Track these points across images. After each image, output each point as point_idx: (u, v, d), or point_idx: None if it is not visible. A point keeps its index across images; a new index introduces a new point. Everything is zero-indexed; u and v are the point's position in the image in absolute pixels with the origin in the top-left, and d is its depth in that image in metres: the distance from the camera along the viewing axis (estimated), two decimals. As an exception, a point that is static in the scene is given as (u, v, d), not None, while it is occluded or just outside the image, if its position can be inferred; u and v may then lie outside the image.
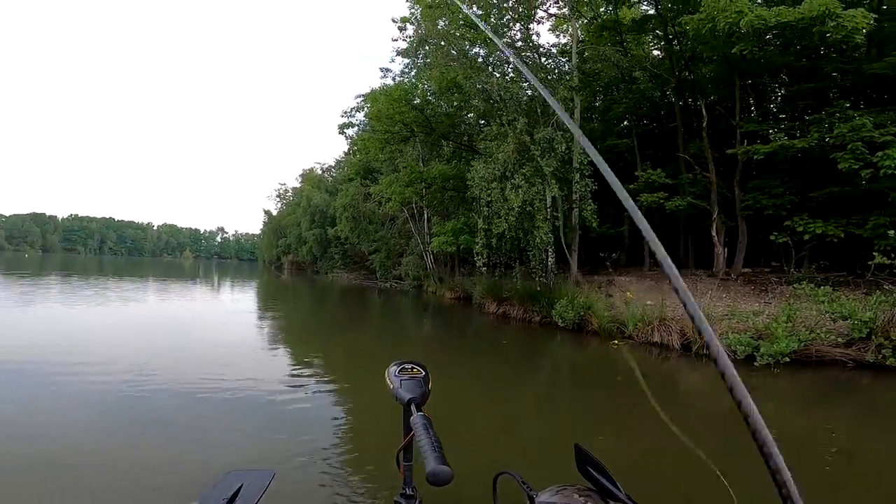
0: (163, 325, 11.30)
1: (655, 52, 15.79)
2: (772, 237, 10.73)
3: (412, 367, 1.48)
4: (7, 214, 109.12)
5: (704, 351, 7.74)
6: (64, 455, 3.72)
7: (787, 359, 6.83)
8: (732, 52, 10.24)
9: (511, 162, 12.29)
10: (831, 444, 4.36)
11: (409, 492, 1.47)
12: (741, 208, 11.71)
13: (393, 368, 1.47)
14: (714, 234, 11.66)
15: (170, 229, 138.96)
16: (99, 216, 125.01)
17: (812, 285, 7.95)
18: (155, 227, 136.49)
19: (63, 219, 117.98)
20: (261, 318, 14.32)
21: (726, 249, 11.67)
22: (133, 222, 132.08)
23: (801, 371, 6.73)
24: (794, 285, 8.27)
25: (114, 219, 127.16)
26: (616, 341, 8.97)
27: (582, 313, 10.13)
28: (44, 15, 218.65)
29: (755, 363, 7.00)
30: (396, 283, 24.70)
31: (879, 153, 8.87)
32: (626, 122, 17.07)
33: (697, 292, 9.44)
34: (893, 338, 6.58)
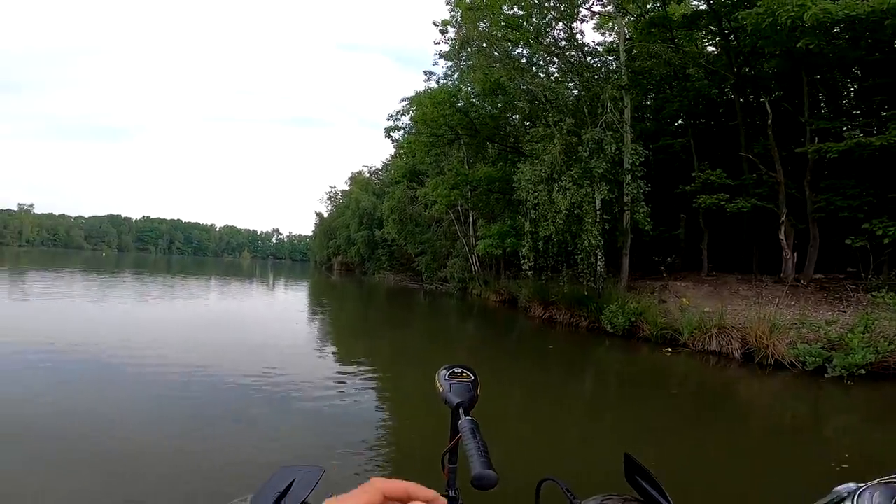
0: (223, 322, 11.93)
1: (710, 49, 15.06)
2: (847, 241, 9.82)
3: (462, 372, 1.42)
4: (87, 216, 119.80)
5: (768, 361, 7.26)
6: (125, 444, 3.88)
7: (863, 371, 6.30)
8: (797, 46, 9.56)
9: (558, 163, 11.99)
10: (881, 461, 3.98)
11: (451, 494, 1.41)
12: (812, 210, 10.83)
13: (443, 372, 1.41)
14: (782, 237, 10.84)
15: (230, 230, 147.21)
16: (168, 218, 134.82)
17: (892, 293, 7.29)
18: (217, 229, 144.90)
19: (136, 220, 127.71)
20: (312, 317, 14.89)
21: (795, 254, 10.83)
22: (198, 223, 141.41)
23: (878, 384, 6.21)
24: (873, 293, 7.59)
25: (181, 220, 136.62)
26: (669, 349, 8.55)
27: (633, 319, 9.74)
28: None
29: (825, 375, 6.53)
30: (442, 284, 24.80)
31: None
32: (680, 121, 16.35)
33: (763, 299, 8.83)
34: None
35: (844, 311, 8.50)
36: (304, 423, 4.73)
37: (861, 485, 1.03)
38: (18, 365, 5.99)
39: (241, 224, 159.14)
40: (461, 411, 1.28)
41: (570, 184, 11.55)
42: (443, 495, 1.43)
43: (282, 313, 15.54)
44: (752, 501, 3.43)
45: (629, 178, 12.12)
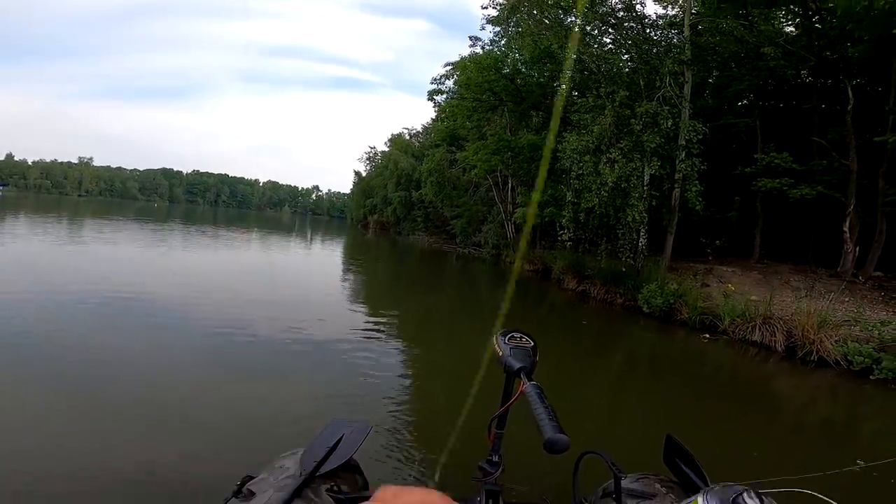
0: (264, 275, 12.41)
1: (789, 28, 13.93)
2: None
3: (521, 337, 1.49)
4: (141, 169, 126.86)
5: (812, 357, 6.92)
6: (171, 393, 3.97)
7: None
8: (893, 32, 8.69)
9: (608, 135, 11.48)
10: None
11: (495, 459, 1.50)
12: (883, 203, 10.08)
13: (501, 336, 1.48)
14: (846, 229, 10.17)
15: (272, 186, 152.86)
16: (216, 172, 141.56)
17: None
18: (261, 184, 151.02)
19: (187, 174, 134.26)
20: (346, 275, 15.29)
21: (857, 248, 10.17)
22: (243, 178, 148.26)
23: None
24: (941, 297, 7.07)
25: (228, 175, 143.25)
26: (707, 335, 8.26)
27: (672, 301, 9.39)
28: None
29: (871, 377, 6.23)
30: (475, 249, 24.67)
31: None
32: (745, 101, 15.33)
33: (815, 293, 8.38)
34: None
35: (903, 313, 8.00)
36: (341, 378, 4.80)
37: (713, 485, 1.10)
38: (77, 308, 6.27)
39: (283, 180, 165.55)
40: (523, 376, 1.33)
41: (619, 156, 11.06)
42: (487, 460, 1.52)
43: (319, 271, 15.96)
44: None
45: (683, 154, 11.54)
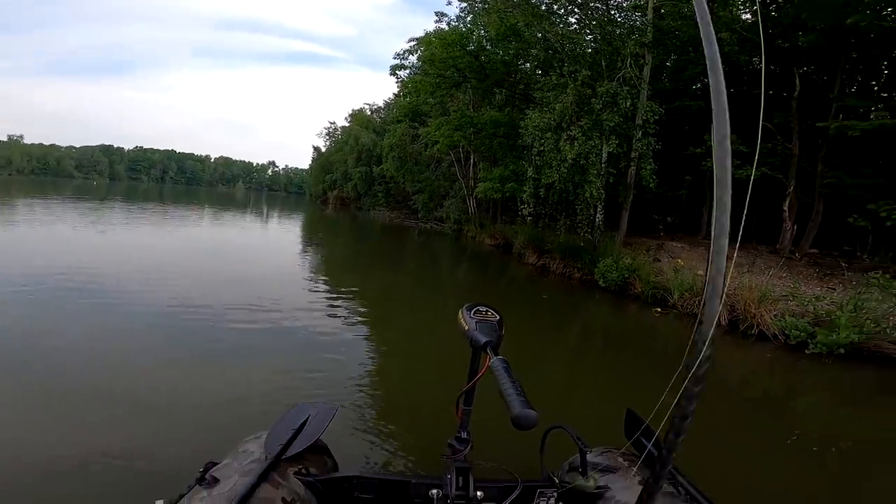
0: (216, 253, 11.96)
1: (746, 16, 14.25)
2: (850, 219, 9.70)
3: (486, 311, 1.45)
4: (78, 146, 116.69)
5: (752, 331, 7.26)
6: (120, 384, 3.72)
7: (843, 350, 6.24)
8: (847, 22, 8.98)
9: (569, 113, 11.54)
10: (855, 443, 4.03)
11: (464, 435, 1.49)
12: (821, 185, 10.64)
13: (467, 310, 1.44)
14: (786, 208, 10.69)
15: (225, 162, 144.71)
16: (162, 148, 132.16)
17: (888, 276, 7.23)
18: (212, 160, 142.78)
19: (129, 150, 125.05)
20: (305, 251, 14.93)
21: (795, 226, 10.73)
22: (192, 154, 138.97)
23: (854, 364, 6.15)
24: (870, 273, 7.52)
25: (175, 151, 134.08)
26: (658, 309, 8.53)
27: (626, 276, 9.64)
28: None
29: (806, 350, 6.48)
30: (437, 224, 24.58)
31: None
32: (699, 85, 15.67)
33: (756, 269, 8.77)
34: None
35: (834, 289, 8.48)
36: (304, 359, 4.67)
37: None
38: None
39: (237, 156, 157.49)
40: (489, 350, 1.29)
41: (579, 134, 11.16)
42: (455, 437, 1.51)
43: (276, 246, 15.50)
44: (701, 461, 3.49)
45: (640, 134, 11.73)
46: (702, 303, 0.76)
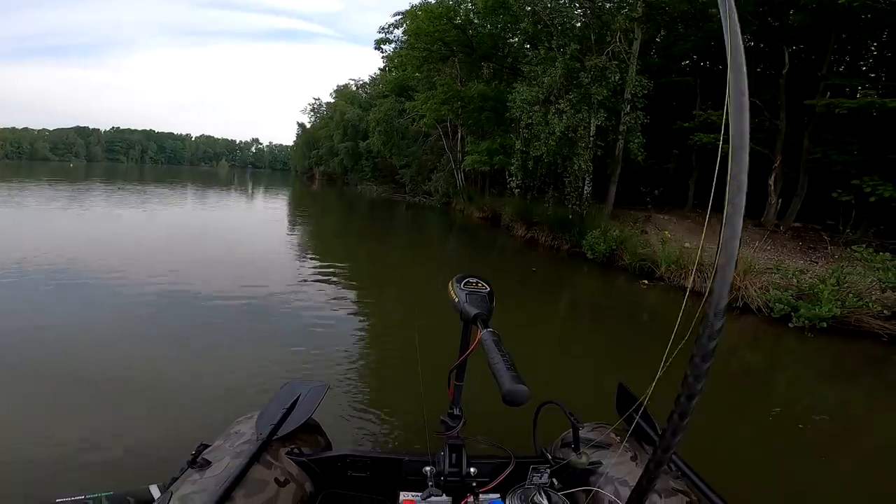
0: (203, 233, 11.53)
1: (738, -9, 13.93)
2: (834, 194, 9.72)
3: (477, 282, 1.40)
4: (51, 128, 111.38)
5: (737, 303, 7.25)
6: (108, 368, 3.62)
7: (825, 324, 6.20)
8: (839, 1, 8.81)
9: (557, 86, 11.40)
10: (835, 417, 4.02)
11: (456, 412, 1.47)
12: (807, 160, 10.61)
13: (457, 281, 1.40)
14: (771, 182, 10.65)
15: (207, 140, 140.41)
16: (140, 129, 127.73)
17: (871, 249, 7.23)
18: (193, 138, 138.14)
19: (106, 131, 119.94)
20: (293, 228, 14.63)
21: (780, 201, 10.75)
22: (172, 133, 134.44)
23: (835, 338, 6.12)
24: (853, 247, 7.48)
25: (154, 130, 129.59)
26: (646, 281, 8.47)
27: (614, 247, 9.57)
28: None
29: (790, 324, 6.43)
30: (425, 197, 24.23)
31: None
32: (687, 61, 15.48)
33: (741, 241, 8.76)
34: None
35: (816, 262, 8.49)
36: (294, 338, 4.55)
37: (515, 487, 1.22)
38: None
39: (219, 133, 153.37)
40: (479, 323, 1.23)
41: (568, 107, 11.04)
42: (448, 413, 1.50)
43: (263, 224, 15.13)
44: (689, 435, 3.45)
45: (628, 108, 11.66)
46: (713, 272, 0.70)
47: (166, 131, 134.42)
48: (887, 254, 6.90)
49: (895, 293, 6.37)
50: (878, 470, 3.21)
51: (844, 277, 6.81)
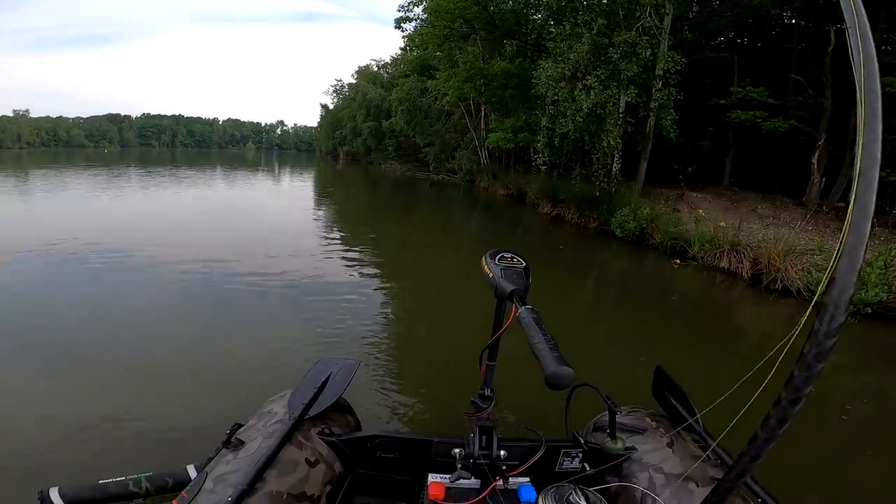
0: (233, 214, 11.57)
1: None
2: (882, 173, 9.11)
3: (512, 257, 1.36)
4: (85, 116, 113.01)
5: (776, 286, 6.88)
6: (145, 350, 3.62)
7: (870, 309, 5.73)
8: None
9: (584, 62, 10.93)
10: (877, 406, 3.77)
11: (487, 393, 1.43)
12: (853, 139, 10.03)
13: (490, 256, 1.36)
14: (814, 161, 10.05)
15: (234, 123, 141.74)
16: (169, 114, 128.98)
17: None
18: (220, 122, 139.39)
19: (136, 117, 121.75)
20: (319, 207, 14.59)
21: (823, 179, 10.16)
22: (201, 118, 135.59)
23: (879, 324, 5.67)
24: (903, 228, 7.03)
25: (183, 115, 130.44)
26: (678, 260, 8.09)
27: (644, 225, 9.16)
28: None
29: None
30: (449, 175, 23.91)
31: None
32: (723, 38, 14.73)
33: (781, 221, 8.31)
34: None
35: (862, 244, 8.03)
36: (325, 318, 4.46)
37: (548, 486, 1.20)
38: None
39: (245, 117, 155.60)
40: (516, 300, 1.17)
41: (596, 83, 10.58)
42: (479, 394, 1.46)
43: (290, 204, 15.19)
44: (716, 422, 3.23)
45: (660, 84, 11.12)
46: (824, 281, 0.59)
47: (195, 116, 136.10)
48: (940, 236, 6.40)
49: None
50: None
51: (892, 260, 6.35)
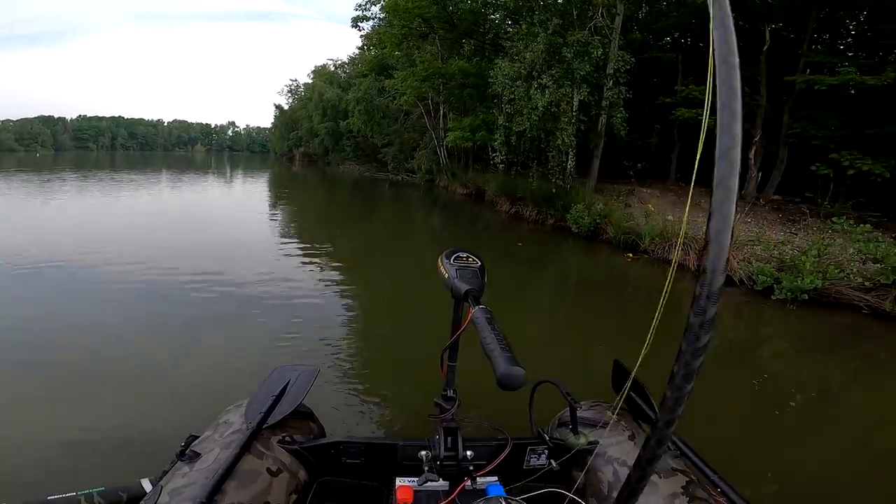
0: (183, 220, 10.95)
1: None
2: (813, 168, 9.73)
3: (467, 256, 1.36)
4: (15, 119, 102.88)
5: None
6: (94, 362, 3.46)
7: (806, 296, 6.10)
8: None
9: (539, 62, 11.12)
10: (817, 389, 3.97)
11: (450, 394, 1.41)
12: (786, 135, 10.65)
13: (447, 256, 1.35)
14: (751, 156, 10.61)
15: (180, 125, 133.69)
16: (108, 115, 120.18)
17: (851, 221, 7.20)
18: (165, 123, 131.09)
19: (72, 119, 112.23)
20: (275, 210, 14.02)
21: (760, 174, 10.73)
22: (143, 119, 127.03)
23: (817, 310, 6.02)
24: (833, 219, 7.42)
25: (123, 117, 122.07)
26: (630, 254, 8.33)
27: (598, 221, 9.41)
28: None
29: (772, 296, 6.30)
30: (408, 175, 23.75)
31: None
32: (668, 38, 15.33)
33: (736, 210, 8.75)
34: (919, 290, 5.86)
35: (796, 234, 8.43)
36: (282, 324, 4.33)
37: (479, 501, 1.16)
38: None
39: (193, 118, 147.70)
40: (471, 300, 1.16)
41: (550, 82, 10.79)
42: (442, 395, 1.43)
43: (243, 207, 14.64)
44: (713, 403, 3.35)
45: (611, 83, 11.45)
46: (704, 243, 0.63)
47: (136, 117, 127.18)
48: (868, 225, 6.86)
49: (876, 265, 6.31)
50: (860, 440, 3.15)
51: (825, 249, 6.70)
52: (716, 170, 0.61)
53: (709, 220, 0.60)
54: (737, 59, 0.58)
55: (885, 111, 9.46)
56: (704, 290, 0.60)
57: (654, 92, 13.01)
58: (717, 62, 0.59)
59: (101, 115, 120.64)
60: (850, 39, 12.19)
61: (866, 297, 6.17)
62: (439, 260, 1.35)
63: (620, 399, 1.63)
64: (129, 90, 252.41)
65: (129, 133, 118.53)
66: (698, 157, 0.61)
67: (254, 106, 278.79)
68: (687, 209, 1.03)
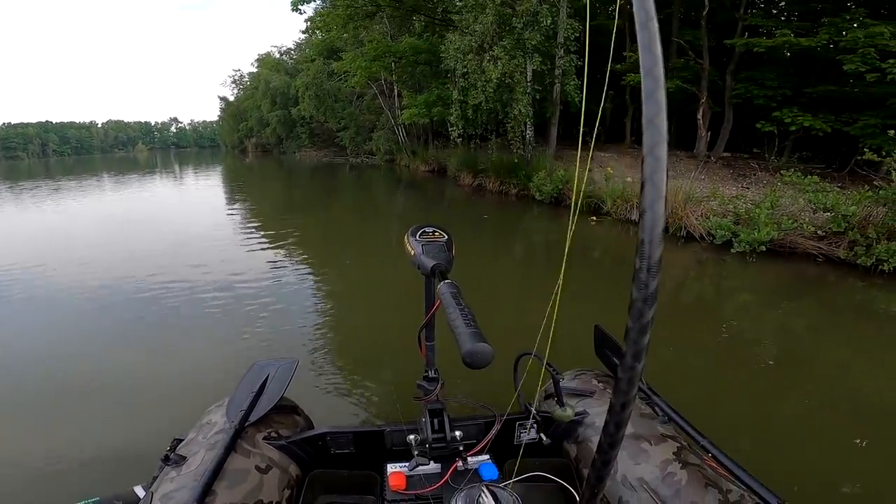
0: (136, 221, 10.12)
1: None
2: (757, 125, 9.95)
3: (433, 231, 1.32)
4: None
5: (681, 233, 7.26)
6: (65, 373, 3.28)
7: (764, 247, 6.17)
8: None
9: (490, 33, 10.87)
10: (782, 338, 3.94)
11: (432, 374, 1.35)
12: (730, 96, 10.87)
13: (412, 233, 1.30)
14: (699, 117, 10.81)
15: (116, 125, 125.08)
16: (35, 121, 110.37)
17: (799, 173, 7.35)
18: (100, 125, 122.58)
19: None
20: (232, 203, 13.21)
21: (709, 133, 10.95)
22: (74, 122, 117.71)
23: (773, 261, 6.07)
24: (782, 172, 7.54)
25: (51, 121, 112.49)
26: (594, 217, 8.26)
27: (560, 187, 9.29)
28: None
29: (731, 250, 6.33)
30: (368, 158, 23.10)
31: (891, 60, 8.02)
32: (614, 5, 15.37)
33: (678, 173, 8.76)
34: (870, 235, 5.73)
35: (748, 188, 8.61)
36: (253, 319, 4.13)
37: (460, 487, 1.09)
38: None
39: (130, 117, 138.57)
40: (438, 275, 1.10)
41: (503, 54, 10.52)
42: (423, 377, 1.36)
43: (200, 203, 13.75)
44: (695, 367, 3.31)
45: (562, 51, 11.25)
46: (639, 215, 0.54)
47: (67, 121, 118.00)
48: (815, 177, 6.99)
49: (826, 214, 6.44)
50: (827, 385, 3.15)
51: (777, 201, 6.76)
52: (644, 139, 0.53)
53: (641, 189, 0.52)
54: (656, 25, 0.52)
55: (822, 71, 9.78)
56: (644, 262, 0.53)
57: (606, 59, 12.97)
58: (637, 29, 0.54)
59: (26, 121, 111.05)
60: (783, 3, 12.35)
61: (820, 246, 6.23)
62: (405, 237, 1.27)
63: (610, 366, 1.66)
64: (55, 92, 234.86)
65: (61, 138, 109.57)
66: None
67: (197, 100, 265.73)
68: (577, 166, 1.03)
